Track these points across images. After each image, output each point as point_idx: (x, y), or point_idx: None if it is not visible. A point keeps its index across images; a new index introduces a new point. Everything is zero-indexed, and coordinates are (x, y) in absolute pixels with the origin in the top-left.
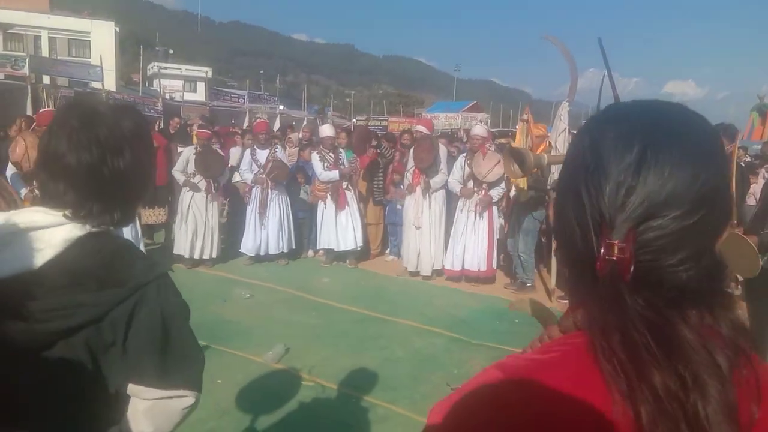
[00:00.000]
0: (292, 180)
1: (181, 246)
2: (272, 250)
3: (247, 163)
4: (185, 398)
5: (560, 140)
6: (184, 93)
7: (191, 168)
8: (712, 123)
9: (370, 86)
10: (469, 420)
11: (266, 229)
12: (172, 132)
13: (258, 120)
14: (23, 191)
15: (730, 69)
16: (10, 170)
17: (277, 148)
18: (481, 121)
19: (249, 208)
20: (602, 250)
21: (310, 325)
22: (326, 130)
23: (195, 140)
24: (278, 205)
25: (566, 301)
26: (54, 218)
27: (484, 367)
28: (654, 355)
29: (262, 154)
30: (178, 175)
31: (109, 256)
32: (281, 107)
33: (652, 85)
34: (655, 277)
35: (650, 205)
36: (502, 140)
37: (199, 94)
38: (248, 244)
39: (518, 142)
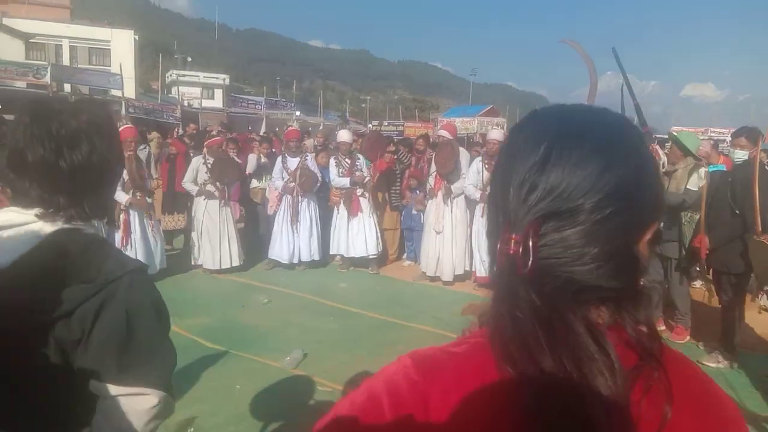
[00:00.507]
0: (322, 187)
1: (200, 256)
2: (304, 258)
3: (278, 171)
4: (148, 397)
5: None
6: (202, 100)
7: (201, 178)
8: (730, 125)
9: (385, 91)
10: (368, 404)
11: (298, 237)
12: (186, 139)
13: (289, 128)
14: None
15: (751, 71)
16: None
17: (307, 156)
18: (498, 125)
19: (279, 216)
20: (499, 245)
21: (327, 331)
22: (343, 136)
23: (205, 150)
24: (308, 213)
25: None
26: (25, 217)
27: None
28: (540, 344)
29: (293, 162)
30: (190, 186)
31: (78, 252)
32: (297, 113)
33: (670, 87)
34: (555, 272)
35: (552, 201)
36: None
37: (217, 101)
38: (281, 252)
39: None
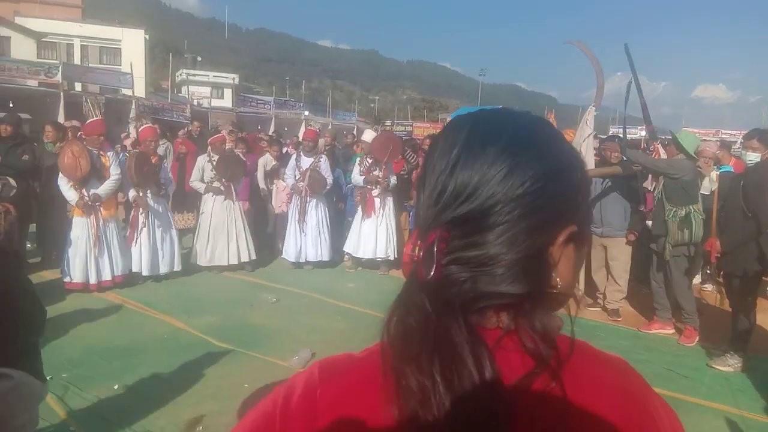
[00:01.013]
0: (334, 188)
1: (207, 253)
2: (311, 258)
3: (291, 168)
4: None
5: (585, 146)
6: (212, 99)
7: (207, 176)
8: (742, 127)
9: (394, 91)
10: (266, 406)
11: (305, 236)
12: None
13: (308, 128)
14: (74, 198)
15: (763, 73)
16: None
17: (321, 158)
18: None
19: (290, 215)
20: (405, 252)
21: (335, 330)
22: (367, 136)
23: (209, 148)
24: (316, 214)
25: (596, 309)
26: None
27: None
28: (422, 354)
29: (306, 162)
30: (197, 185)
31: None
32: (306, 113)
33: (680, 89)
34: (459, 278)
35: (460, 204)
36: None
37: (226, 101)
38: (290, 250)
39: None
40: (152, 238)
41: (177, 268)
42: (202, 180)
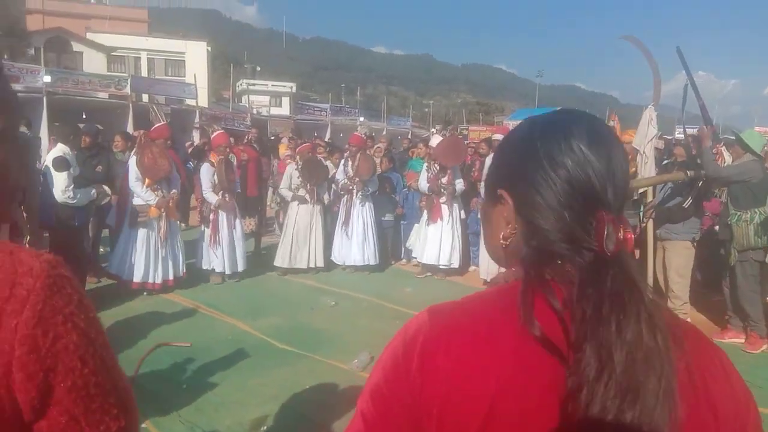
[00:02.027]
0: (380, 191)
1: (288, 257)
2: (357, 262)
3: (341, 173)
4: None
5: (650, 148)
6: (270, 108)
7: (295, 183)
8: None
9: (448, 95)
10: (397, 347)
11: (350, 240)
12: (255, 145)
13: (354, 134)
14: (152, 199)
15: None
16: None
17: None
18: None
19: (339, 219)
20: (606, 230)
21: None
22: (435, 141)
23: (281, 151)
24: (362, 217)
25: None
26: None
27: None
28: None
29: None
30: (285, 192)
31: None
32: (362, 119)
33: (751, 86)
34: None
35: (607, 189)
36: None
37: (284, 109)
38: (335, 254)
39: None
40: (230, 240)
41: (243, 267)
42: (290, 188)
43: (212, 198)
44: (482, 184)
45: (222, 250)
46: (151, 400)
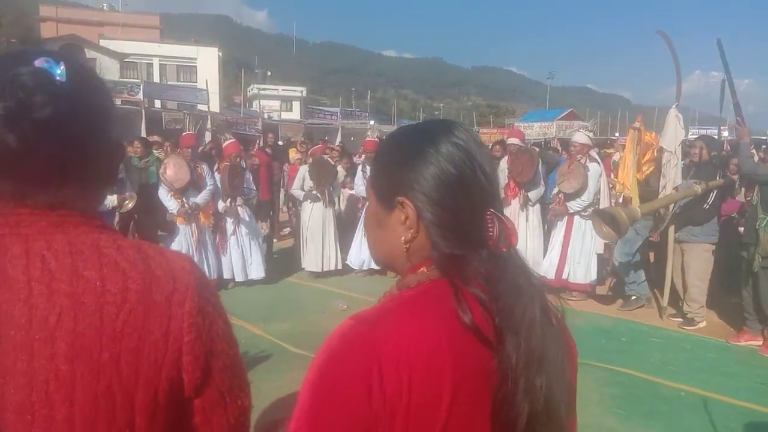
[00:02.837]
0: None
1: (304, 259)
2: (375, 265)
3: (359, 178)
4: None
5: (679, 149)
6: (281, 112)
7: (308, 184)
8: None
9: (459, 98)
10: (329, 362)
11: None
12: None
13: (368, 139)
14: (174, 207)
15: None
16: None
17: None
18: (584, 128)
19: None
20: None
21: None
22: None
23: (291, 155)
24: None
25: (678, 319)
26: None
27: (591, 387)
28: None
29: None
30: (298, 193)
31: None
32: (372, 122)
33: (766, 86)
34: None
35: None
36: (609, 150)
37: (295, 113)
38: (353, 258)
39: (628, 152)
40: (241, 246)
41: (262, 274)
42: (302, 188)
43: (219, 205)
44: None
45: (230, 259)
46: None
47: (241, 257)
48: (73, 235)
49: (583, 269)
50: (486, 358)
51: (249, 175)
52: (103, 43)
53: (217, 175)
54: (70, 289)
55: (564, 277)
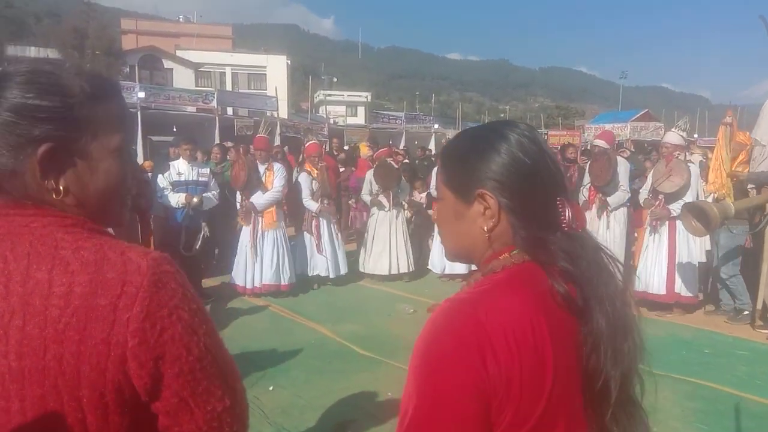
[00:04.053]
0: None
1: (369, 263)
2: (456, 270)
3: (433, 183)
4: None
5: None
6: (346, 117)
7: (375, 188)
8: None
9: (525, 100)
10: (439, 340)
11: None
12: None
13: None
14: (238, 207)
15: None
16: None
17: None
18: (678, 127)
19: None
20: (567, 212)
21: None
22: None
23: (362, 151)
24: None
25: (767, 332)
26: None
27: (673, 401)
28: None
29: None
30: (366, 198)
31: None
32: (436, 126)
33: None
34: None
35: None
36: (698, 152)
37: (360, 118)
38: (435, 261)
39: (721, 149)
40: (332, 245)
41: (346, 271)
42: (370, 193)
43: (312, 205)
44: (583, 190)
45: (326, 257)
46: None
47: (332, 257)
48: (36, 236)
49: (691, 280)
50: (575, 331)
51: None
52: (179, 53)
53: (304, 177)
54: (22, 289)
55: (677, 290)
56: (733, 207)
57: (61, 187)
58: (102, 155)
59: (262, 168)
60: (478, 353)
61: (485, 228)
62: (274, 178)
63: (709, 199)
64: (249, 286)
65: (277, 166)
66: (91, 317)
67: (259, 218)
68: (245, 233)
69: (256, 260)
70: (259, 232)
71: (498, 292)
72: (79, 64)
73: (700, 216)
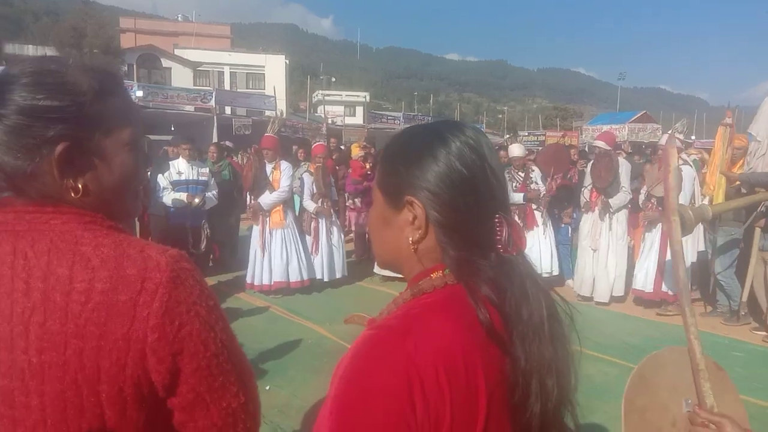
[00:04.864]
0: None
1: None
2: None
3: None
4: None
5: None
6: (345, 117)
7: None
8: None
9: (523, 101)
10: (364, 376)
11: None
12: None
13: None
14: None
15: None
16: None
17: None
18: (674, 130)
19: None
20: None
21: None
22: (515, 150)
23: (353, 153)
24: None
25: (763, 333)
26: None
27: None
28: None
29: None
30: (309, 204)
31: None
32: None
33: None
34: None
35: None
36: (693, 152)
37: (358, 118)
38: None
39: (718, 150)
40: (329, 247)
41: (345, 273)
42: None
43: (311, 206)
44: (584, 191)
45: (322, 259)
46: None
47: (329, 258)
48: (56, 233)
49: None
50: (503, 363)
51: (332, 178)
52: (177, 52)
53: (306, 177)
54: (43, 285)
55: (663, 289)
56: (710, 210)
57: (80, 186)
58: (116, 150)
59: (269, 167)
60: (407, 396)
61: (411, 239)
62: (281, 177)
63: (705, 201)
64: (257, 283)
65: (284, 165)
66: (111, 313)
67: (267, 218)
68: (255, 232)
69: (265, 259)
70: (267, 231)
71: (428, 319)
72: (82, 60)
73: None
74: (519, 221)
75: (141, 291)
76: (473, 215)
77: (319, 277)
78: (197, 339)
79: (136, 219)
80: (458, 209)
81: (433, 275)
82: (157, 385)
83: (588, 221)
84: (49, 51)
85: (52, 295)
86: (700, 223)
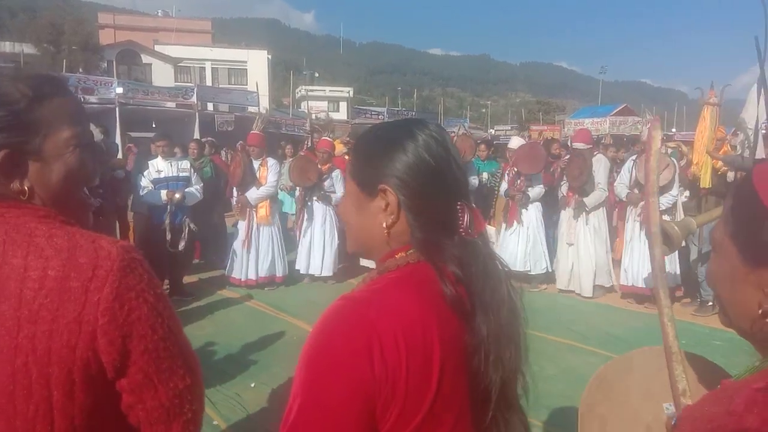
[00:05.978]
0: None
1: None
2: None
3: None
4: None
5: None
6: (329, 113)
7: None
8: None
9: (506, 95)
10: (329, 338)
11: None
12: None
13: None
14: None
15: None
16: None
17: None
18: (645, 118)
19: None
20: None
21: None
22: (514, 143)
23: (337, 149)
24: None
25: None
26: None
27: None
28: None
29: None
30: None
31: None
32: None
33: None
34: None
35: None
36: (672, 144)
37: (342, 113)
38: None
39: (705, 130)
40: (323, 241)
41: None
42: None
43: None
44: (562, 187)
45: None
46: (221, 397)
47: (321, 253)
48: (11, 225)
49: (669, 272)
50: (463, 333)
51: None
52: (158, 48)
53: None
54: None
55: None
56: (695, 222)
57: (26, 188)
58: (58, 151)
59: (256, 164)
60: (367, 354)
61: (384, 224)
62: (268, 173)
63: (687, 194)
64: (243, 278)
65: (270, 161)
66: (63, 298)
67: (254, 213)
68: (241, 227)
69: (251, 254)
70: (254, 226)
71: (391, 291)
72: (16, 67)
73: (664, 238)
74: (503, 218)
75: (92, 278)
76: (439, 201)
77: (303, 272)
78: (146, 323)
79: (116, 219)
80: (425, 195)
81: (398, 255)
82: (107, 366)
83: (564, 217)
84: (27, 48)
85: (7, 283)
86: (680, 210)
